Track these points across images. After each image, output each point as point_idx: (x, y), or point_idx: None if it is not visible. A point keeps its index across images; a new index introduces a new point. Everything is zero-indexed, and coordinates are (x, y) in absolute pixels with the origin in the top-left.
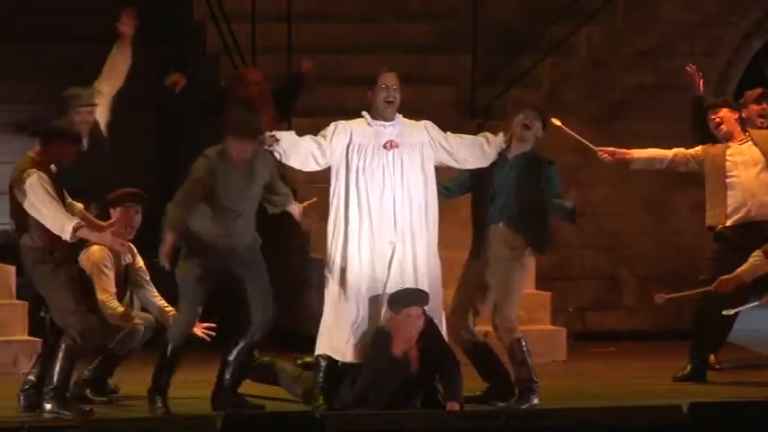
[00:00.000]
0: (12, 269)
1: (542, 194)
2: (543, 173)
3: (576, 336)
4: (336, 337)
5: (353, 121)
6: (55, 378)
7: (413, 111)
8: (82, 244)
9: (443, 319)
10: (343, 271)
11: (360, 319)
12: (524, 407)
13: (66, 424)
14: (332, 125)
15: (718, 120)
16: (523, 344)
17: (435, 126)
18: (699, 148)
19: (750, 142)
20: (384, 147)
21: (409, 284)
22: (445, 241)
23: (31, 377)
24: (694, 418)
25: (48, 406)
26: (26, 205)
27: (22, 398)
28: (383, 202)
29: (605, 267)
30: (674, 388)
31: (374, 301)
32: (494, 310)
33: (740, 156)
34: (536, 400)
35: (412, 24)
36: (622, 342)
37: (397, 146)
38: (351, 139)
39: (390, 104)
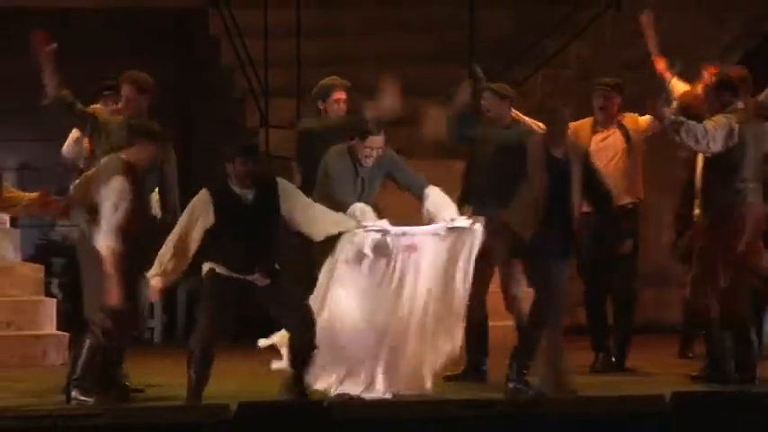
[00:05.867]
0: (41, 268)
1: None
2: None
3: (565, 330)
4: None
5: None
6: (79, 369)
7: (412, 121)
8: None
9: None
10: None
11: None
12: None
13: (91, 411)
14: None
15: None
16: None
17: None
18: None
19: None
20: None
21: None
22: None
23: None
24: (676, 408)
25: (72, 393)
26: None
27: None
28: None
29: None
30: (657, 378)
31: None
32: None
33: None
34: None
35: (413, 36)
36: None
37: None
38: None
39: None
